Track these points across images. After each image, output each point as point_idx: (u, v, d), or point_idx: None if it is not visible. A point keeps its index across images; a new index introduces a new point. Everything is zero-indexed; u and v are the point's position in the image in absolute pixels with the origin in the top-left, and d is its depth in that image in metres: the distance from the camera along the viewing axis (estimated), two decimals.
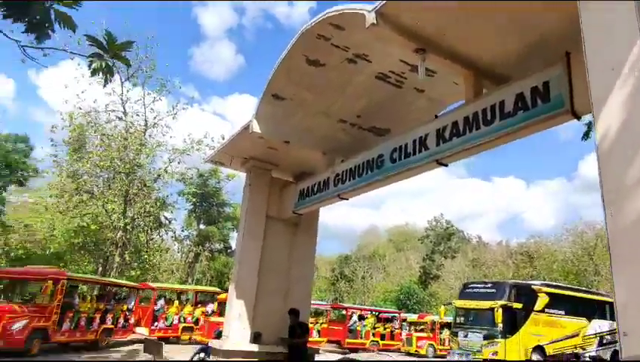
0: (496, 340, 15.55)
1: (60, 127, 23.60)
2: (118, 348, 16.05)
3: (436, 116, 6.41)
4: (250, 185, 10.25)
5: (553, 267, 36.92)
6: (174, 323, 18.44)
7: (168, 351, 14.03)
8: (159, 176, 25.73)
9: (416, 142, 6.52)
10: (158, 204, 25.86)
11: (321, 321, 21.30)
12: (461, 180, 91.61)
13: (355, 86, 7.70)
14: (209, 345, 10.18)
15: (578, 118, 4.90)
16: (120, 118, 24.82)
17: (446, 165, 6.33)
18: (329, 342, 20.98)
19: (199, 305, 20.11)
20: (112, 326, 15.68)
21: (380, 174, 7.17)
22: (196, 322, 19.35)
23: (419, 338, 22.23)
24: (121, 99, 24.64)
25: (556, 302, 17.36)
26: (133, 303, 17.37)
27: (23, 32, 4.60)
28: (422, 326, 24.47)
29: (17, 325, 12.05)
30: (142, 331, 17.15)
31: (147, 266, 27.11)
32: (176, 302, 19.26)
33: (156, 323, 17.73)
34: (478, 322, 16.55)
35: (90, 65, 5.00)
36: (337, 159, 8.79)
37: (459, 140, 5.82)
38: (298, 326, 9.14)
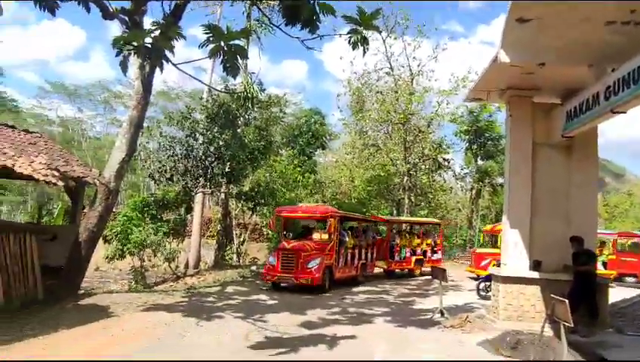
0: None
1: (342, 94, 27.57)
2: (415, 278, 18.21)
3: None
4: (512, 115, 9.95)
5: None
6: (407, 255, 18.65)
7: (453, 275, 14.98)
8: (431, 120, 26.91)
9: None
10: (435, 146, 27.16)
11: (606, 253, 17.96)
12: None
13: None
14: (491, 273, 10.69)
15: None
16: (388, 74, 26.98)
17: None
18: (620, 275, 17.93)
19: (424, 237, 20.15)
20: (365, 260, 16.08)
21: None
22: (424, 254, 19.43)
23: None
24: (386, 56, 26.68)
25: None
26: (373, 237, 17.63)
27: (300, 30, 6.10)
28: None
29: (313, 263, 12.76)
30: (381, 264, 17.95)
31: (434, 205, 29.19)
32: (406, 235, 19.41)
33: (393, 257, 18.03)
34: None
35: (349, 41, 6.16)
36: (607, 69, 7.69)
37: None
38: (583, 253, 8.69)
